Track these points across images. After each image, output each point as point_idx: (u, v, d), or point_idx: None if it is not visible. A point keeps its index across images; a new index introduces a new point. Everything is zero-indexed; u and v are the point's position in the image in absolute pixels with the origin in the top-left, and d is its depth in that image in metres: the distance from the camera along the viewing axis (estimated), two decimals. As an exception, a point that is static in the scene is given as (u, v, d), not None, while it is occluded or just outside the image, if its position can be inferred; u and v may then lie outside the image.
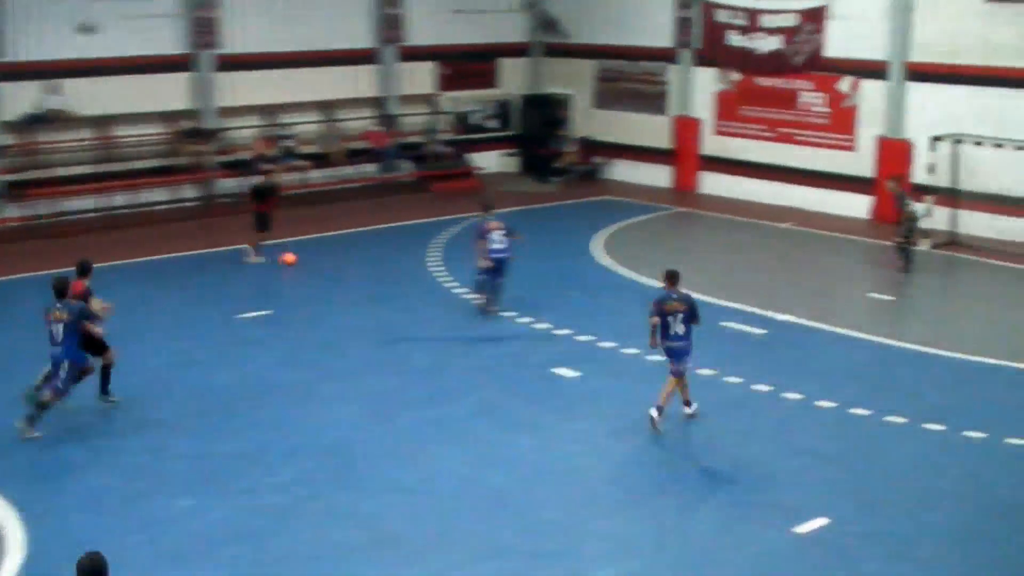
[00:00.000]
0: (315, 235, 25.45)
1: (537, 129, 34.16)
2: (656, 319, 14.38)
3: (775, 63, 29.40)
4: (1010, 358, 17.48)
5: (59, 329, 14.14)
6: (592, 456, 13.83)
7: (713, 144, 31.02)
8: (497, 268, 19.26)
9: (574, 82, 34.33)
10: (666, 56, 31.77)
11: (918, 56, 26.84)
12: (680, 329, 14.33)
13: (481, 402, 15.48)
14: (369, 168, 31.17)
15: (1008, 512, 12.45)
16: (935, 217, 23.74)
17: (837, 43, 28.21)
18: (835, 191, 28.37)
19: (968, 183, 25.53)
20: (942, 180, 25.42)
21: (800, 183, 29.17)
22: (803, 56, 28.85)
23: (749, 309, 19.89)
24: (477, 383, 16.15)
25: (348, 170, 30.69)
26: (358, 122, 31.24)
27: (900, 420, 14.84)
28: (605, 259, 23.59)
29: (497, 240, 19.25)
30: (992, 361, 17.42)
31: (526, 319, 18.97)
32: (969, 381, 16.76)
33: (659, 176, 31.86)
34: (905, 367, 17.31)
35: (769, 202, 29.44)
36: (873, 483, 13.10)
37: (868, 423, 14.82)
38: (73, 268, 15.20)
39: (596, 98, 33.91)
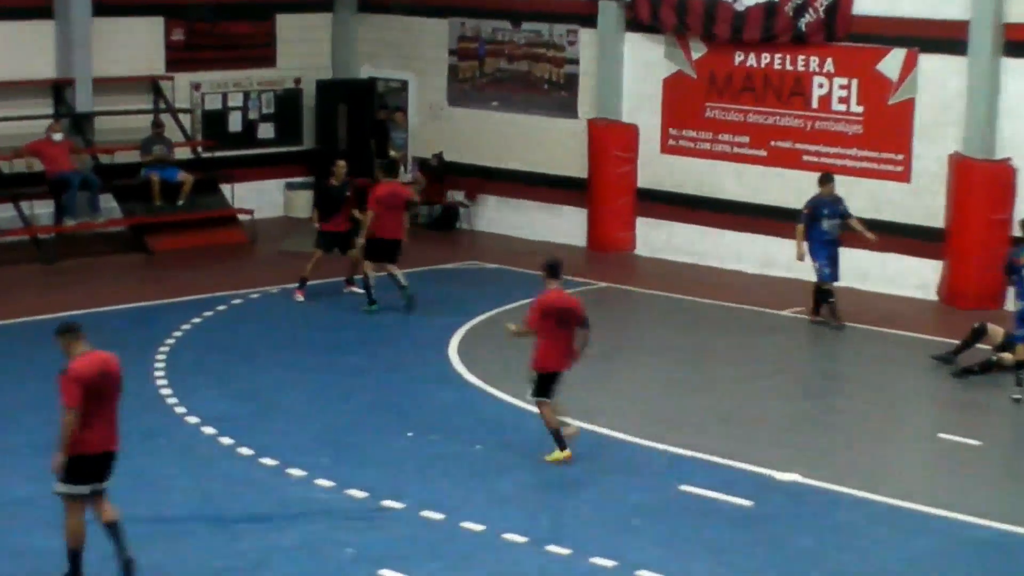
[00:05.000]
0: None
1: (348, 141, 34.03)
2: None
3: (767, 28, 29.81)
4: None
5: None
6: None
7: (660, 169, 31.24)
8: None
9: (413, 60, 34.38)
10: (577, 16, 32.05)
11: (1019, 16, 27.38)
12: None
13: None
14: (40, 209, 30.88)
15: None
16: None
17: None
18: (874, 251, 28.59)
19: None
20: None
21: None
22: (817, 17, 29.28)
23: (724, 462, 20.07)
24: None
25: (2, 211, 30.28)
26: (20, 125, 30.77)
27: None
28: (469, 374, 23.44)
29: None
30: None
31: (330, 481, 18.76)
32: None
33: (565, 225, 32.05)
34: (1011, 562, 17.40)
35: (757, 272, 29.70)
36: None
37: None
38: None
39: (453, 88, 34.00)
